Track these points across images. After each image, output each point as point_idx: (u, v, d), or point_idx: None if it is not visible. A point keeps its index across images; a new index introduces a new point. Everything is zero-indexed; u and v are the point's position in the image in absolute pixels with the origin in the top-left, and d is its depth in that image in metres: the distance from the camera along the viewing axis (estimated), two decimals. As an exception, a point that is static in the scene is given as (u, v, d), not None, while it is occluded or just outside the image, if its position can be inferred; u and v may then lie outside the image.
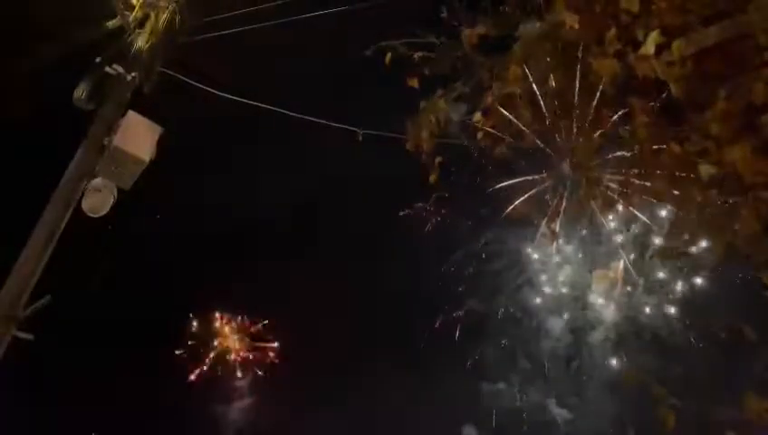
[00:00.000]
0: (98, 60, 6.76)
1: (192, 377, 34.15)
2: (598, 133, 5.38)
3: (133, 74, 6.81)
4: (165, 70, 7.04)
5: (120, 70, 6.76)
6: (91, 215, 6.50)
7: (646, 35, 4.42)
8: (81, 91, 6.65)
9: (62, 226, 6.15)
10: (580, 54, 5.10)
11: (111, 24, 6.96)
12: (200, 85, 7.28)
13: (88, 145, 6.49)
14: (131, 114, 6.66)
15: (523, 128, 6.08)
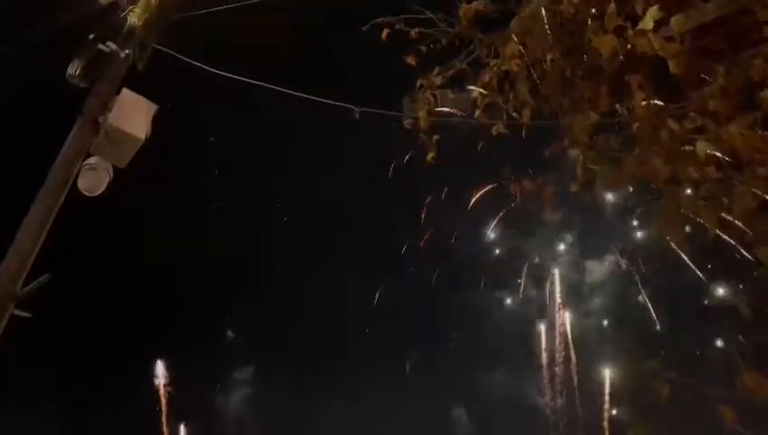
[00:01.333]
0: (91, 37, 6.68)
1: None
2: (595, 111, 5.34)
3: (127, 51, 6.73)
4: (159, 47, 6.96)
5: (114, 47, 6.69)
6: (88, 194, 6.48)
7: (645, 10, 4.39)
8: (74, 69, 6.59)
9: (59, 204, 6.14)
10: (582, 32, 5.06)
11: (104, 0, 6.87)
12: (195, 63, 7.20)
13: (82, 123, 6.44)
14: (126, 92, 6.61)
15: (514, 113, 6.03)
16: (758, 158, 4.25)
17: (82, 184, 6.39)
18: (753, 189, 4.28)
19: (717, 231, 4.52)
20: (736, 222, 4.51)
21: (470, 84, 6.44)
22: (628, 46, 4.68)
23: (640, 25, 4.41)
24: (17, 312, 5.74)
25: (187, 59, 7.03)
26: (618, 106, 5.21)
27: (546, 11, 5.33)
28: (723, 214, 4.42)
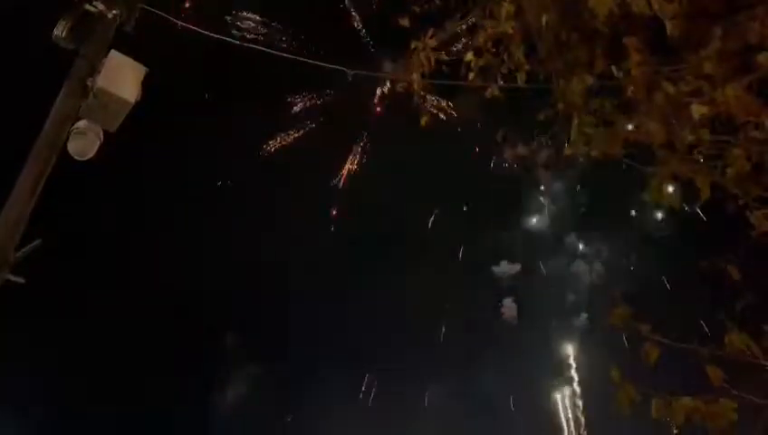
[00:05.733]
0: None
1: None
2: (590, 73, 5.30)
3: (114, 12, 6.58)
4: (147, 7, 6.81)
5: (101, 7, 6.53)
6: (78, 158, 6.41)
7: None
8: (60, 30, 6.45)
9: (49, 169, 6.08)
10: None
11: (90, -42, 6.67)
12: (185, 24, 7.06)
13: (70, 86, 6.33)
14: (114, 54, 6.48)
15: (501, 82, 5.98)
16: (752, 121, 4.25)
17: (72, 148, 6.31)
18: (748, 152, 4.29)
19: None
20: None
21: (464, 47, 6.35)
22: (625, 7, 4.62)
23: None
24: (11, 277, 5.73)
25: (177, 21, 6.90)
26: (613, 68, 5.16)
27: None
28: (716, 177, 4.44)
